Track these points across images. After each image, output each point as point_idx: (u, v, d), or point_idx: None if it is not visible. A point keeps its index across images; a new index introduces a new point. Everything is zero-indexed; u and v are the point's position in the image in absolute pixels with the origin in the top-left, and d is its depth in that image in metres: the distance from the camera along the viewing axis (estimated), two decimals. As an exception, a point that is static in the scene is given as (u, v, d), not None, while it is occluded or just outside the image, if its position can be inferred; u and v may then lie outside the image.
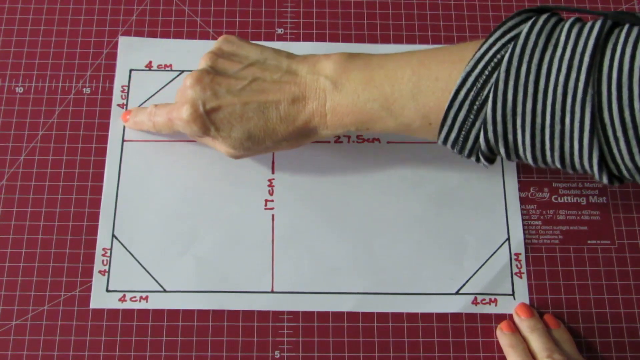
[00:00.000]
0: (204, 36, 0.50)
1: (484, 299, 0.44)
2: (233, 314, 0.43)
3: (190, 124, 0.39)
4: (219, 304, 0.43)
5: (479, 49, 0.33)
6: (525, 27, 0.32)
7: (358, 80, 0.37)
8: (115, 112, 0.48)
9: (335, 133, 0.39)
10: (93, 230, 0.45)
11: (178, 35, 0.50)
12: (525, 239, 0.45)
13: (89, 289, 0.43)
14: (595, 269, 0.45)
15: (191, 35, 0.50)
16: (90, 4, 0.51)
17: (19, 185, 0.46)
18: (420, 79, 0.35)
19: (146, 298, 0.43)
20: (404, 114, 0.36)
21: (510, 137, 0.33)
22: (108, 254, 0.44)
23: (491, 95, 0.32)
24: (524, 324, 0.42)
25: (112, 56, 0.50)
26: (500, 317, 0.43)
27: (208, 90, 0.38)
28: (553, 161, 0.33)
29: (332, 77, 0.38)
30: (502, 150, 0.34)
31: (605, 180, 0.32)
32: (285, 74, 0.39)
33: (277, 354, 0.42)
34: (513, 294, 0.44)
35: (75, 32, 0.50)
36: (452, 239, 0.45)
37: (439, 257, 0.45)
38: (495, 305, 0.44)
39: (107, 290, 0.43)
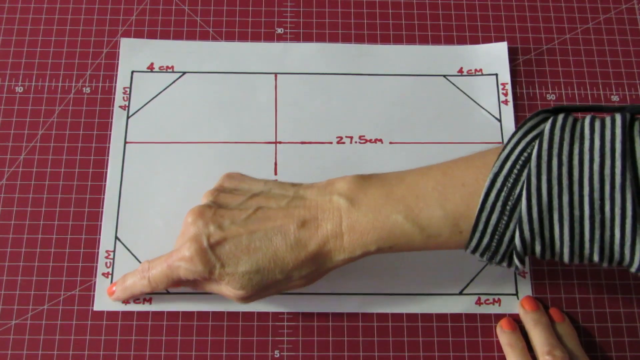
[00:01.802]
0: (204, 36, 0.50)
1: (488, 299, 0.44)
2: (233, 314, 0.43)
3: (194, 261, 0.36)
4: (222, 305, 0.43)
5: (502, 150, 0.33)
6: (546, 125, 0.32)
7: (377, 195, 0.35)
8: (117, 113, 0.48)
9: (353, 256, 0.36)
10: (93, 230, 0.45)
11: (178, 35, 0.50)
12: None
13: (89, 289, 0.43)
14: (595, 269, 0.45)
15: (191, 35, 0.50)
16: (90, 4, 0.51)
17: (18, 184, 0.46)
18: (446, 187, 0.34)
19: (149, 300, 0.43)
20: (432, 225, 0.34)
21: (547, 233, 0.32)
22: (111, 256, 0.44)
23: (524, 192, 0.31)
24: (528, 316, 0.42)
25: (112, 56, 0.50)
26: (501, 317, 0.43)
27: (211, 223, 0.36)
28: (591, 254, 0.32)
29: (348, 195, 0.36)
30: (538, 249, 0.32)
31: None
32: (292, 200, 0.37)
33: (277, 353, 0.42)
34: (517, 294, 0.44)
35: (75, 31, 0.50)
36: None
37: (442, 257, 0.44)
38: (499, 305, 0.44)
39: None
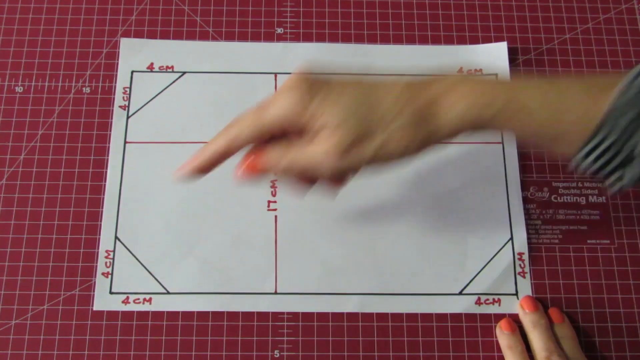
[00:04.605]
0: (204, 36, 0.50)
1: (488, 299, 0.44)
2: (233, 314, 0.43)
3: (295, 88, 0.32)
4: (222, 305, 0.43)
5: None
6: None
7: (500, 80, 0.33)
8: (117, 113, 0.48)
9: (464, 121, 0.32)
10: (93, 230, 0.45)
11: (178, 35, 0.50)
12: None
13: (88, 289, 0.43)
14: (595, 269, 0.45)
15: (191, 35, 0.50)
16: (90, 4, 0.51)
17: (18, 184, 0.46)
18: (577, 84, 0.32)
19: (149, 300, 0.43)
20: (563, 100, 0.31)
21: None
22: (111, 256, 0.44)
23: None
24: (527, 318, 0.42)
25: (112, 56, 0.50)
26: (501, 317, 0.43)
27: (316, 72, 0.33)
28: None
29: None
30: None
31: None
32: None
33: (276, 353, 0.42)
34: (517, 294, 0.44)
35: (75, 31, 0.50)
36: (455, 239, 0.45)
37: (442, 257, 0.45)
38: (499, 305, 0.44)
39: (111, 292, 0.43)
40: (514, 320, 0.43)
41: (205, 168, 0.35)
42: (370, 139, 0.32)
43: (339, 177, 0.36)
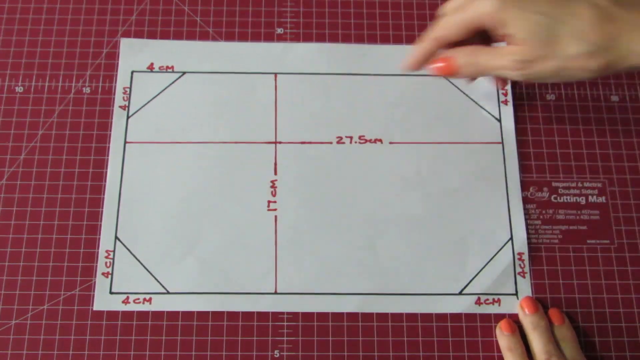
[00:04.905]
0: (204, 36, 0.50)
1: (487, 299, 0.44)
2: (233, 314, 0.43)
3: None
4: (222, 305, 0.43)
5: None
6: None
7: None
8: (117, 113, 0.48)
9: None
10: (93, 230, 0.45)
11: (178, 35, 0.50)
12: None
13: (89, 289, 0.43)
14: (595, 269, 0.45)
15: (191, 35, 0.50)
16: (90, 4, 0.51)
17: (18, 184, 0.46)
18: None
19: (149, 300, 0.43)
20: None
21: None
22: (111, 256, 0.44)
23: None
24: (527, 319, 0.42)
25: (112, 56, 0.50)
26: (501, 317, 0.43)
27: None
28: None
29: None
30: None
31: None
32: None
33: (276, 353, 0.42)
34: (516, 294, 0.44)
35: (75, 31, 0.50)
36: (455, 239, 0.45)
37: (442, 257, 0.45)
38: (499, 305, 0.44)
39: (111, 292, 0.43)
40: (514, 321, 0.43)
41: (419, 65, 0.40)
42: (552, 59, 0.34)
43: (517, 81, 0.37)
